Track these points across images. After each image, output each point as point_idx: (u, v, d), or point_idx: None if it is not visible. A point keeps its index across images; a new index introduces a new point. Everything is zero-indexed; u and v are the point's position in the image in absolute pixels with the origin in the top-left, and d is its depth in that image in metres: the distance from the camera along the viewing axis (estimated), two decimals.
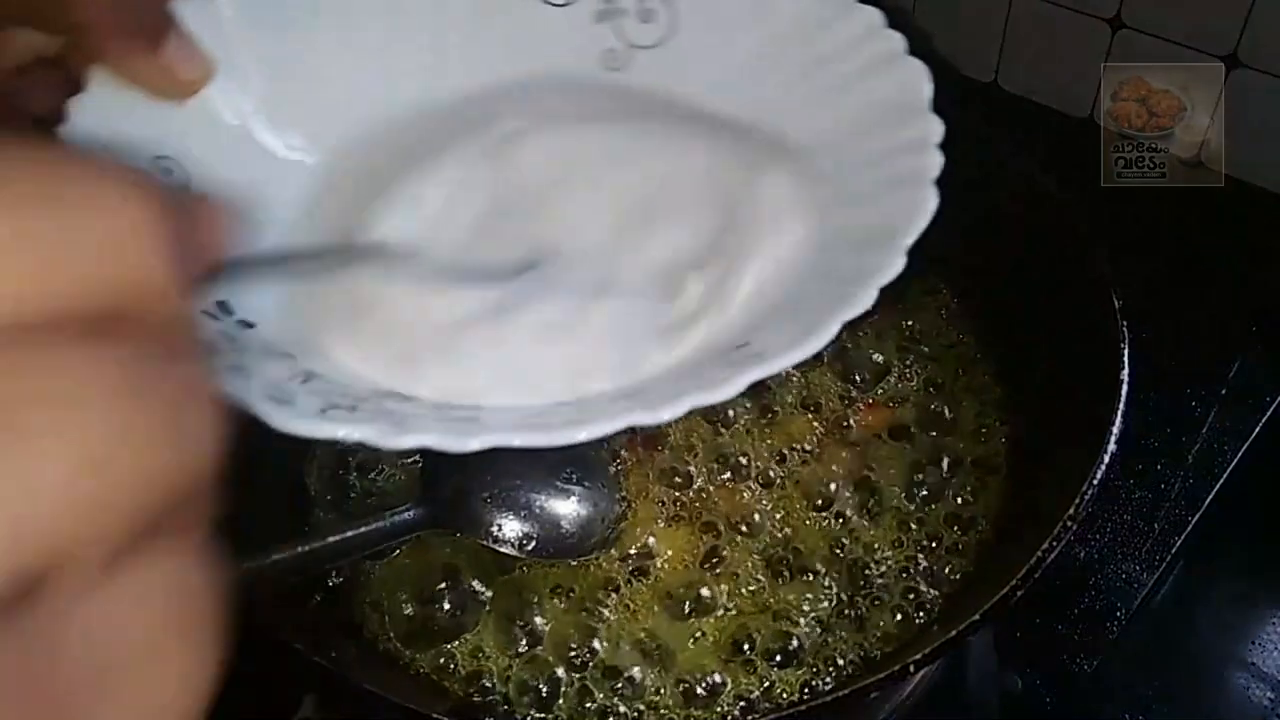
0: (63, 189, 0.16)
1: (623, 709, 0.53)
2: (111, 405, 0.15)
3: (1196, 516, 0.68)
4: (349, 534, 0.51)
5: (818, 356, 0.65)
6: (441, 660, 0.54)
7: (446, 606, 0.56)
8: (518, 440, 0.29)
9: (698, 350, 0.35)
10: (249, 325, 0.34)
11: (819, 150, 0.40)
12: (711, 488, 0.60)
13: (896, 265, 0.32)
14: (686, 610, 0.55)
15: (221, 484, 0.17)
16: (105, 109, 0.35)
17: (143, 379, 0.15)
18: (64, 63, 0.37)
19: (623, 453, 0.61)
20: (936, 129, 0.36)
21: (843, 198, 0.38)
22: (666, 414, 0.29)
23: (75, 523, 0.14)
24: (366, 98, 0.43)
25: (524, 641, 0.55)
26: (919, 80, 0.38)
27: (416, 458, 0.61)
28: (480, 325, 0.36)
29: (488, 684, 0.53)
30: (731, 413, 0.63)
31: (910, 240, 0.33)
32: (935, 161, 0.35)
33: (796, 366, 0.65)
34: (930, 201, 0.34)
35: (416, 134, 0.42)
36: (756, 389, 0.64)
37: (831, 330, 0.31)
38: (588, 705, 0.53)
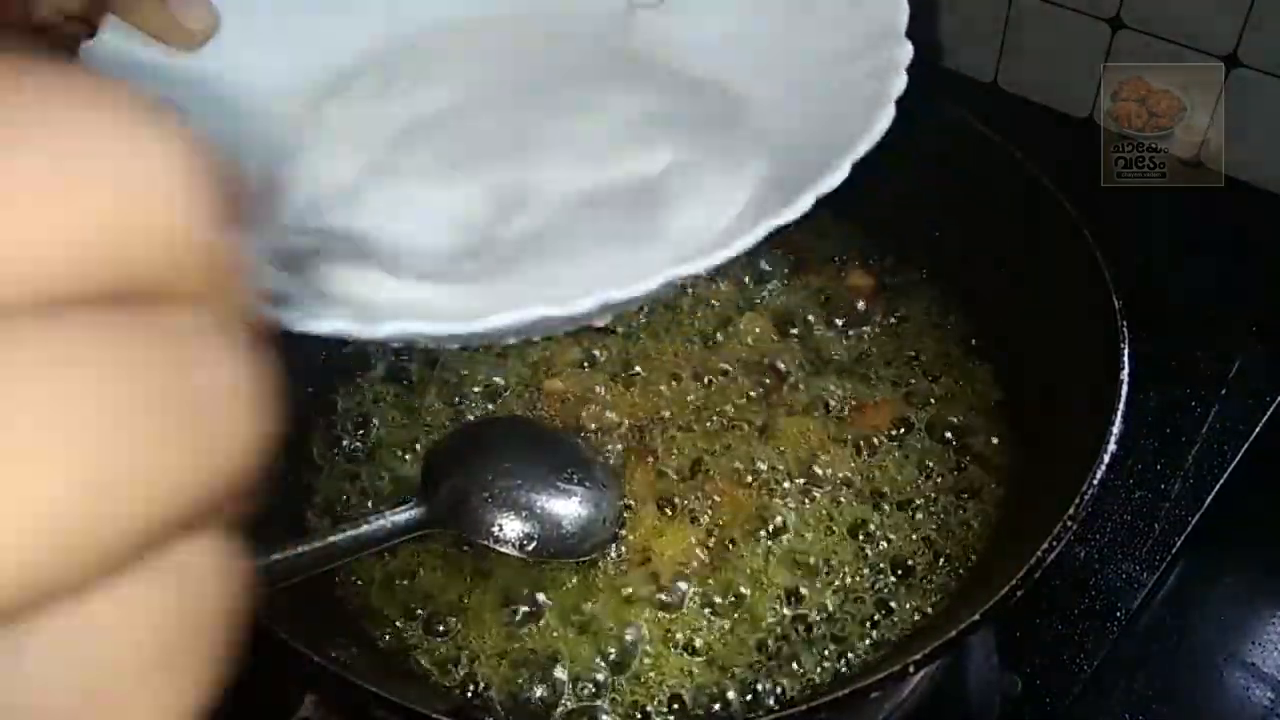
0: (95, 121, 0.13)
1: (622, 709, 0.53)
2: (122, 410, 0.13)
3: (1196, 516, 0.68)
4: (349, 534, 0.51)
5: (821, 356, 0.65)
6: (441, 660, 0.54)
7: (447, 606, 0.56)
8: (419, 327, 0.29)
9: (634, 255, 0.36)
10: None
11: (788, 75, 0.41)
12: (713, 488, 0.60)
13: (837, 177, 0.32)
14: (686, 610, 0.55)
15: (260, 480, 0.15)
16: (114, 54, 0.37)
17: (168, 373, 0.13)
18: (88, 20, 0.39)
19: (625, 456, 0.61)
20: (906, 53, 0.36)
21: (807, 116, 0.39)
22: (576, 307, 0.29)
23: (66, 554, 0.12)
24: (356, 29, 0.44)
25: (524, 641, 0.55)
26: (897, 8, 0.39)
27: (417, 452, 0.62)
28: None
29: (488, 684, 0.53)
30: (734, 410, 0.63)
31: (859, 154, 0.33)
32: (899, 82, 0.35)
33: (797, 367, 0.65)
34: (885, 120, 0.34)
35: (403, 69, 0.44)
36: (763, 388, 0.64)
37: (758, 234, 0.31)
38: (587, 705, 0.53)
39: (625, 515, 0.58)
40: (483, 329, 0.29)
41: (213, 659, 0.15)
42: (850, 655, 0.54)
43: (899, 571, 0.57)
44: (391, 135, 0.42)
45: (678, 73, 0.44)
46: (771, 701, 0.53)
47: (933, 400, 0.63)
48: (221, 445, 0.14)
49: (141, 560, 0.14)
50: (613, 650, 0.54)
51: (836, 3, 0.41)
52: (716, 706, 0.52)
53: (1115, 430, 0.49)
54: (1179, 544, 0.67)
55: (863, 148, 0.33)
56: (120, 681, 0.14)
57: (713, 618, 0.55)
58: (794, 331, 0.67)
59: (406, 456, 0.62)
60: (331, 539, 0.51)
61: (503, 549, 0.54)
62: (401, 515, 0.54)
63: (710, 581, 0.56)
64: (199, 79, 0.40)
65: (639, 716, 0.52)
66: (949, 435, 0.62)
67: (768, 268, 0.70)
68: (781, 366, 0.65)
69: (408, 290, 0.35)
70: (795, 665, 0.54)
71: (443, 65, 0.45)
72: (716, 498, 0.59)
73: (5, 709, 0.13)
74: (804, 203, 0.32)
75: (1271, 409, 0.72)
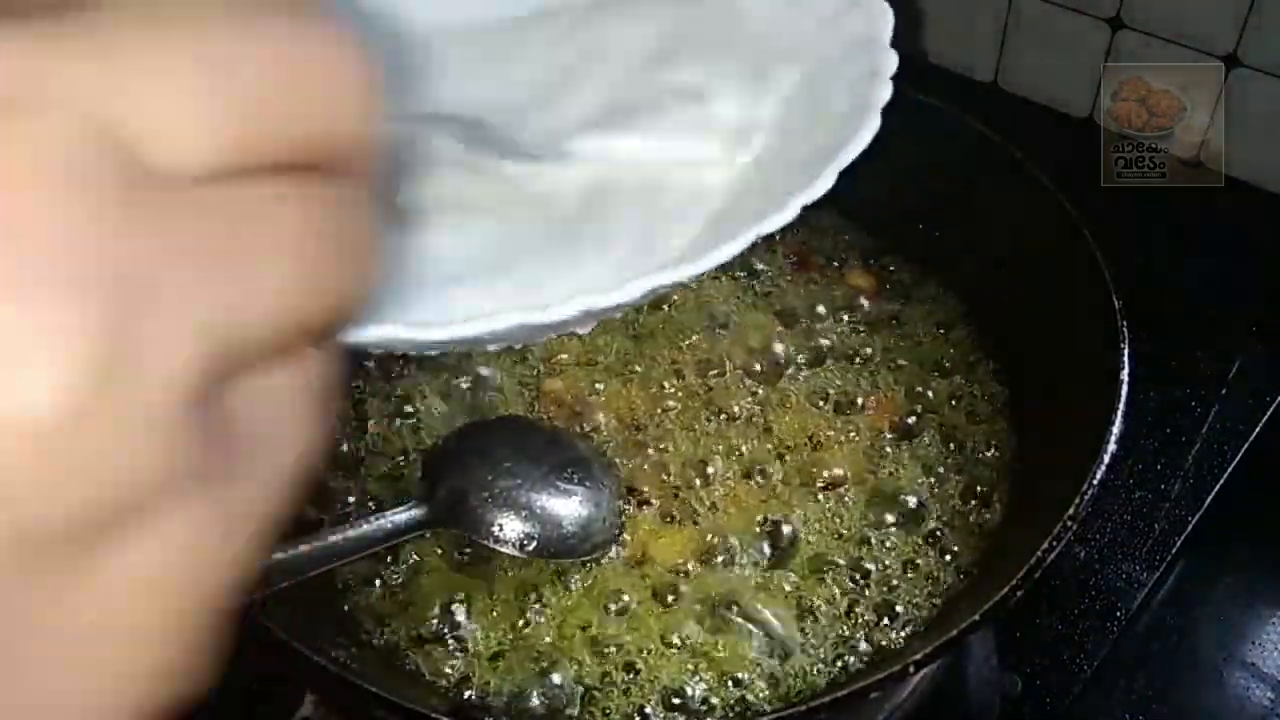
0: (288, 26, 0.17)
1: (622, 709, 0.53)
2: (311, 257, 0.18)
3: (1196, 516, 0.68)
4: (349, 534, 0.51)
5: (822, 356, 0.65)
6: (441, 660, 0.54)
7: (447, 607, 0.56)
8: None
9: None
10: None
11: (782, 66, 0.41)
12: (713, 487, 0.60)
13: (823, 185, 0.32)
14: (685, 610, 0.55)
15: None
16: None
17: (344, 227, 0.18)
18: None
19: (625, 456, 0.61)
20: (890, 62, 0.37)
21: (789, 121, 0.39)
22: (555, 314, 0.29)
23: (262, 345, 0.17)
24: None
25: (523, 641, 0.55)
26: (882, 18, 0.39)
27: (413, 458, 0.62)
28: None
29: (487, 684, 0.53)
30: (737, 409, 0.63)
31: (846, 162, 0.33)
32: (884, 91, 0.35)
33: (798, 366, 0.65)
34: (870, 129, 0.34)
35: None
36: (763, 388, 0.64)
37: (742, 243, 0.31)
38: (586, 706, 0.53)
39: (625, 515, 0.58)
40: (461, 335, 0.29)
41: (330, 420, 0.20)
42: (850, 655, 0.54)
43: (899, 571, 0.57)
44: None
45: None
46: (772, 701, 0.53)
47: (933, 400, 0.63)
48: (356, 287, 0.19)
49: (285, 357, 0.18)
50: (612, 650, 0.54)
51: (820, 11, 0.41)
52: (716, 707, 0.52)
53: (1115, 430, 0.50)
54: (1179, 544, 0.67)
55: (848, 157, 0.33)
56: (277, 428, 0.19)
57: (712, 618, 0.55)
58: (794, 331, 0.67)
59: (406, 457, 0.62)
60: (331, 539, 0.51)
61: (503, 549, 0.54)
62: (401, 515, 0.54)
63: (710, 581, 0.56)
64: None
65: (638, 717, 0.52)
66: (949, 435, 0.62)
67: (768, 267, 0.70)
68: (782, 366, 0.65)
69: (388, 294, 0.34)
70: (795, 665, 0.53)
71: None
72: (717, 497, 0.59)
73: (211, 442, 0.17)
74: (790, 210, 0.32)
75: (1271, 409, 0.72)
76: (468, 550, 0.57)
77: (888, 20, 0.39)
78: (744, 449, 0.61)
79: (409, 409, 0.65)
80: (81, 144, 0.15)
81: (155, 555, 0.17)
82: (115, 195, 0.15)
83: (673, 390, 0.64)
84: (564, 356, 0.66)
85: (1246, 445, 0.71)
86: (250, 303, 0.17)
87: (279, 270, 0.17)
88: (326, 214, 0.18)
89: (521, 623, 0.55)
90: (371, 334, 0.28)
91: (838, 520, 0.58)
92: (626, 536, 0.58)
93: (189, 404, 0.16)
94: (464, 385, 0.65)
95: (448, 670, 0.54)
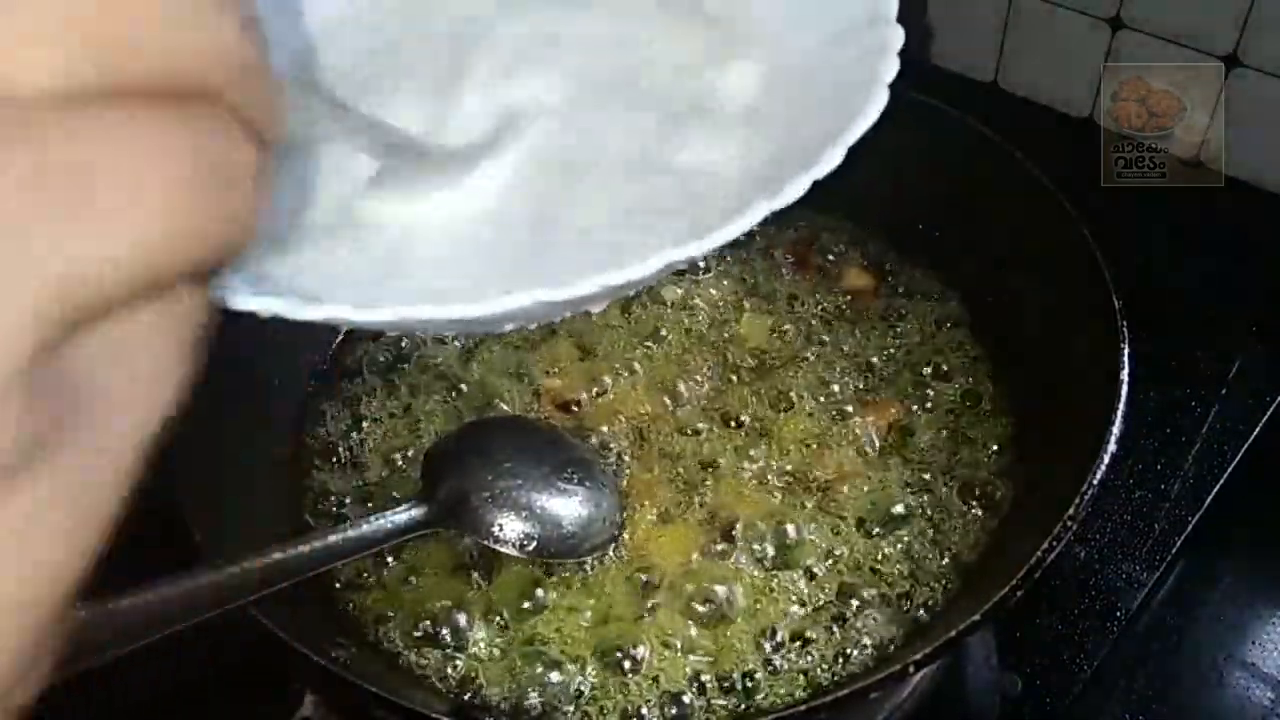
0: None
1: (621, 709, 0.53)
2: (171, 188, 0.16)
3: (1196, 516, 0.68)
4: (349, 534, 0.51)
5: (822, 356, 0.65)
6: (441, 660, 0.54)
7: (447, 607, 0.56)
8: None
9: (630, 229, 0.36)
10: None
11: (782, 49, 0.41)
12: (713, 487, 0.60)
13: (832, 161, 0.32)
14: (685, 610, 0.55)
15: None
16: None
17: (208, 157, 0.16)
18: None
19: (626, 456, 0.61)
20: (897, 37, 0.37)
21: (798, 97, 0.39)
22: (575, 290, 0.29)
23: (117, 290, 0.15)
24: None
25: (523, 641, 0.55)
26: None
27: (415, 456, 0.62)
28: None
29: (487, 684, 0.53)
30: (736, 409, 0.63)
31: (854, 137, 0.33)
32: (891, 67, 0.36)
33: (797, 367, 0.65)
34: (878, 104, 0.34)
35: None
36: (763, 388, 0.64)
37: (754, 218, 0.31)
38: (586, 705, 0.53)
39: (625, 515, 0.58)
40: (483, 313, 0.29)
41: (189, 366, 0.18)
42: (850, 655, 0.54)
43: (899, 571, 0.57)
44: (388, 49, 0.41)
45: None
46: (772, 701, 0.53)
47: (933, 400, 0.63)
48: (226, 224, 0.17)
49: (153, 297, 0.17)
50: (612, 650, 0.54)
51: None
52: (716, 707, 0.52)
53: (1115, 430, 0.50)
54: (1179, 544, 0.67)
55: (857, 132, 0.34)
56: (128, 378, 0.17)
57: (712, 618, 0.55)
58: (794, 331, 0.67)
59: (406, 457, 0.62)
60: (331, 539, 0.51)
61: (503, 549, 0.54)
62: (401, 515, 0.54)
63: (710, 581, 0.56)
64: None
65: (638, 717, 0.52)
66: (949, 435, 0.62)
67: (768, 268, 0.70)
68: (781, 366, 0.65)
69: (407, 270, 0.34)
70: (795, 665, 0.53)
71: None
72: (716, 497, 0.59)
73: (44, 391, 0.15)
74: (799, 186, 0.32)
75: (1271, 409, 0.72)
76: (468, 550, 0.57)
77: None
78: (743, 449, 0.61)
79: (409, 409, 0.65)
80: None
81: None
82: None
83: (672, 391, 0.64)
84: (564, 356, 0.66)
85: (1246, 445, 0.71)
86: (101, 245, 0.15)
87: (134, 204, 0.15)
88: (186, 141, 0.16)
89: (521, 623, 0.55)
90: (390, 314, 0.28)
91: (838, 520, 0.58)
92: (626, 536, 0.58)
93: (25, 368, 0.14)
94: (464, 385, 0.65)
95: (448, 670, 0.54)
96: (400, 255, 0.36)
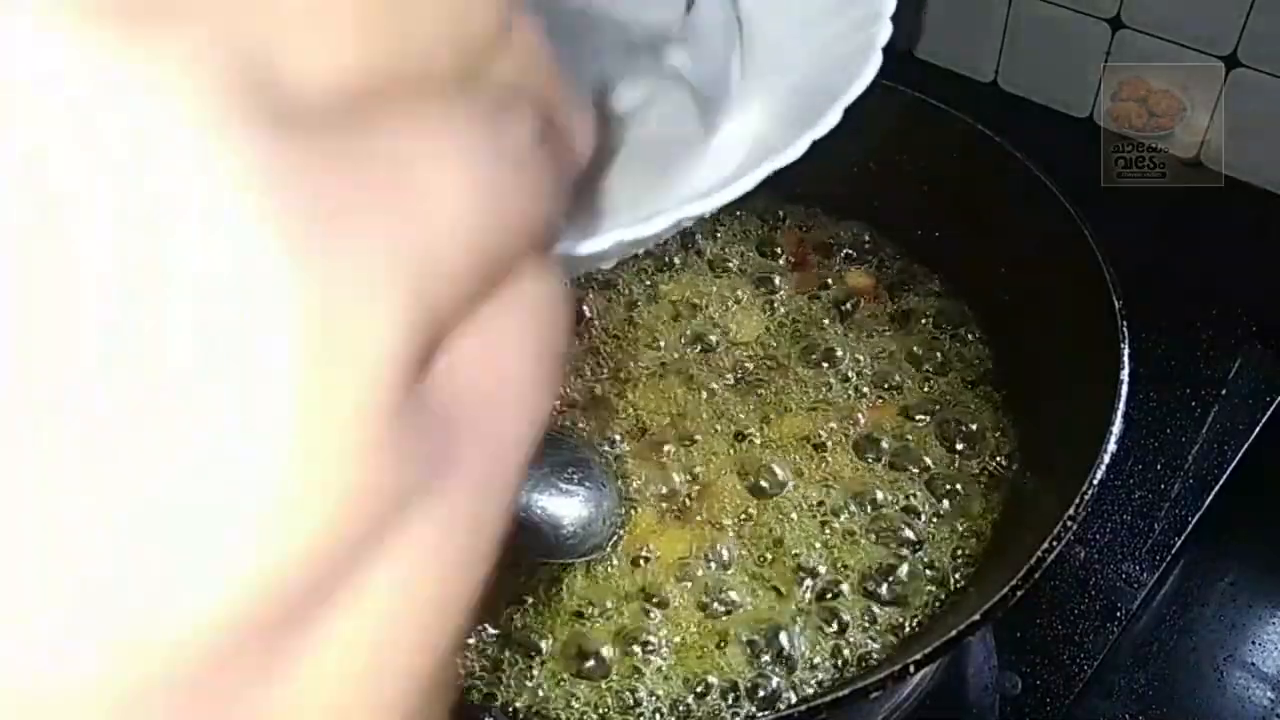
0: None
1: (621, 709, 0.53)
2: (480, 151, 0.14)
3: (1196, 516, 0.68)
4: None
5: (821, 356, 0.65)
6: None
7: None
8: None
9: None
10: None
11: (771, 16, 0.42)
12: (712, 488, 0.60)
13: (830, 120, 0.33)
14: (685, 610, 0.55)
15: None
16: None
17: (510, 134, 0.14)
18: None
19: (626, 456, 0.61)
20: (889, 3, 0.38)
21: (789, 61, 0.40)
22: (592, 245, 0.29)
23: (470, 281, 0.13)
24: None
25: (523, 641, 0.55)
26: None
27: None
28: None
29: (487, 684, 0.53)
30: (733, 410, 0.63)
31: (851, 98, 0.34)
32: (884, 31, 0.37)
33: (797, 367, 0.65)
34: (873, 65, 0.35)
35: None
36: (762, 389, 0.64)
37: (757, 176, 0.32)
38: (586, 705, 0.53)
39: (624, 515, 0.58)
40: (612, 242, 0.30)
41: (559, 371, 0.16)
42: (850, 655, 0.54)
43: (898, 570, 0.57)
44: None
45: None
46: (772, 701, 0.53)
47: (933, 400, 0.63)
48: (547, 194, 0.15)
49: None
50: (611, 651, 0.54)
51: None
52: (716, 707, 0.52)
53: (1115, 430, 0.50)
54: (1179, 544, 0.67)
55: (854, 92, 0.35)
56: (494, 387, 0.15)
57: (712, 618, 0.55)
58: (793, 332, 0.67)
59: None
60: None
61: (502, 549, 0.54)
62: None
63: (709, 581, 0.56)
64: None
65: (638, 716, 0.52)
66: (949, 434, 0.62)
67: (767, 267, 0.70)
68: (780, 366, 0.65)
69: None
70: (795, 665, 0.54)
71: None
72: (716, 498, 0.59)
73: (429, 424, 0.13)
74: (800, 145, 0.33)
75: (1271, 409, 0.72)
76: None
77: None
78: (742, 449, 0.61)
79: None
80: (227, 64, 0.11)
81: (377, 608, 0.12)
82: (272, 126, 0.11)
83: (672, 390, 0.64)
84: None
85: (1246, 445, 0.71)
86: (442, 236, 0.13)
87: (457, 189, 0.13)
88: (490, 116, 0.14)
89: (520, 623, 0.55)
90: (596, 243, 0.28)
91: (837, 520, 0.58)
92: (626, 536, 0.58)
93: (406, 389, 0.12)
94: None
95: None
96: None
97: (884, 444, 0.61)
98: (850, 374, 0.65)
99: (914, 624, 0.55)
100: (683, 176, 0.37)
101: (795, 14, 0.41)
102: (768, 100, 0.40)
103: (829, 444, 0.61)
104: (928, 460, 0.61)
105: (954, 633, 0.45)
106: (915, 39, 0.92)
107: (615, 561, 0.57)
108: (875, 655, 0.54)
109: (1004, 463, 0.60)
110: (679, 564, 0.57)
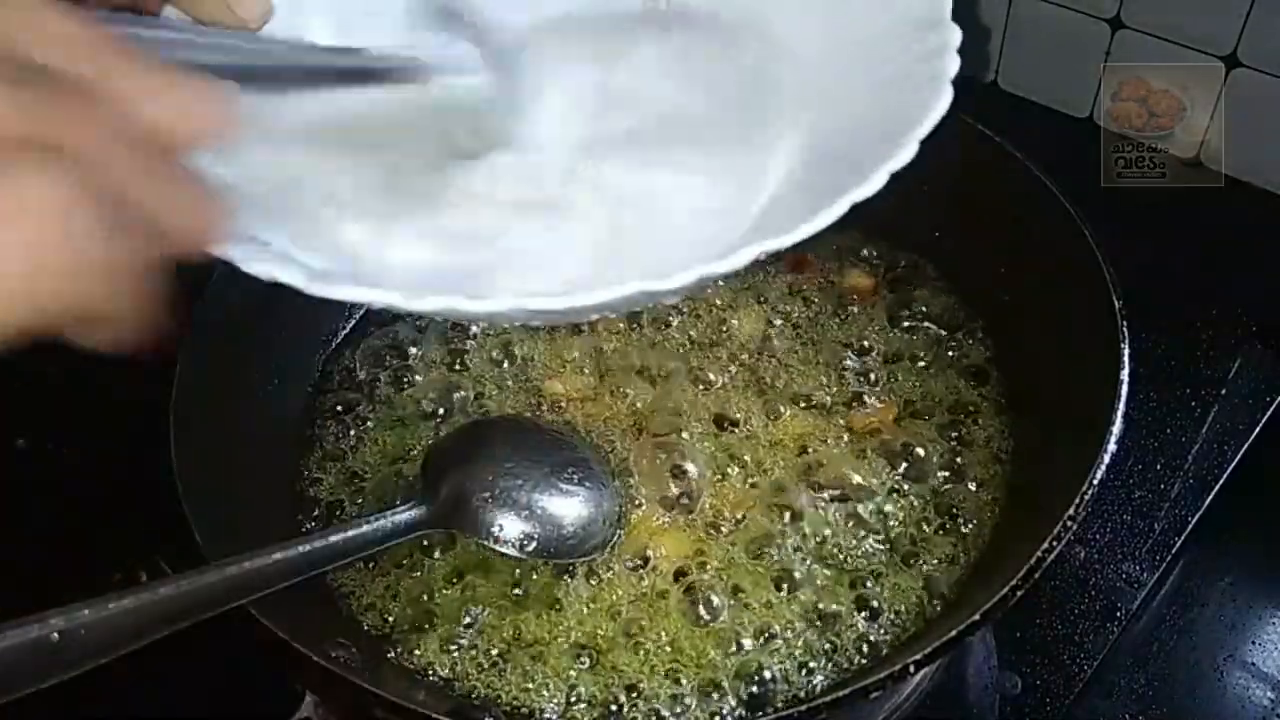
0: None
1: (621, 708, 0.53)
2: (55, 222, 0.23)
3: (1196, 516, 0.68)
4: (349, 534, 0.51)
5: (821, 357, 0.65)
6: (441, 660, 0.54)
7: (446, 607, 0.56)
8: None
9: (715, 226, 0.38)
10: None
11: (838, 51, 0.42)
12: (713, 487, 0.60)
13: (908, 153, 0.34)
14: (685, 610, 0.55)
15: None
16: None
17: (87, 194, 0.23)
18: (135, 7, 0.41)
19: (626, 456, 0.61)
20: (955, 36, 0.38)
21: (860, 95, 0.41)
22: (676, 282, 0.31)
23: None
24: None
25: (523, 641, 0.55)
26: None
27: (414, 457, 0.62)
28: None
29: (487, 684, 0.53)
30: (736, 410, 0.63)
31: (925, 131, 0.35)
32: (953, 63, 0.37)
33: (797, 367, 0.65)
34: (945, 98, 0.36)
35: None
36: (763, 389, 0.64)
37: (838, 210, 0.33)
38: (586, 705, 0.53)
39: (624, 515, 0.58)
40: (588, 303, 0.31)
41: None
42: (850, 655, 0.54)
43: (899, 570, 0.57)
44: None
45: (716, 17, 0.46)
46: (772, 701, 0.53)
47: (932, 400, 0.63)
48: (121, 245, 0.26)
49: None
50: (611, 650, 0.54)
51: (880, 14, 0.42)
52: (716, 707, 0.52)
53: (1115, 430, 0.50)
54: (1179, 544, 0.67)
55: (929, 124, 0.36)
56: None
57: (712, 618, 0.55)
58: (794, 332, 0.67)
59: (406, 457, 0.62)
60: (332, 539, 0.51)
61: (503, 549, 0.54)
62: (401, 515, 0.54)
63: (709, 581, 0.56)
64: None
65: (638, 717, 0.52)
66: (949, 434, 0.62)
67: (767, 268, 0.70)
68: (781, 366, 0.65)
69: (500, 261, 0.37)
70: (795, 665, 0.54)
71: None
72: (716, 498, 0.59)
73: None
74: (878, 179, 0.34)
75: (1271, 409, 0.72)
76: (468, 551, 0.57)
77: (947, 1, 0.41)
78: (743, 450, 0.61)
79: (409, 409, 0.65)
80: None
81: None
82: None
83: (672, 391, 0.64)
84: (564, 358, 0.66)
85: (1246, 445, 0.71)
86: None
87: None
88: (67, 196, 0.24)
89: (520, 623, 0.55)
90: (496, 305, 0.29)
91: (837, 519, 0.58)
92: (626, 537, 0.58)
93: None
94: (464, 387, 0.65)
95: (448, 670, 0.54)
96: (494, 243, 0.38)
97: (883, 443, 0.61)
98: (850, 374, 0.65)
99: (914, 624, 0.55)
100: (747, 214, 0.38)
101: (850, 47, 0.42)
102: (824, 132, 0.40)
103: (829, 444, 0.61)
104: (927, 460, 0.61)
105: (954, 632, 0.45)
106: None
107: (615, 562, 0.57)
108: (875, 655, 0.54)
109: (1003, 462, 0.60)
110: (679, 564, 0.57)
